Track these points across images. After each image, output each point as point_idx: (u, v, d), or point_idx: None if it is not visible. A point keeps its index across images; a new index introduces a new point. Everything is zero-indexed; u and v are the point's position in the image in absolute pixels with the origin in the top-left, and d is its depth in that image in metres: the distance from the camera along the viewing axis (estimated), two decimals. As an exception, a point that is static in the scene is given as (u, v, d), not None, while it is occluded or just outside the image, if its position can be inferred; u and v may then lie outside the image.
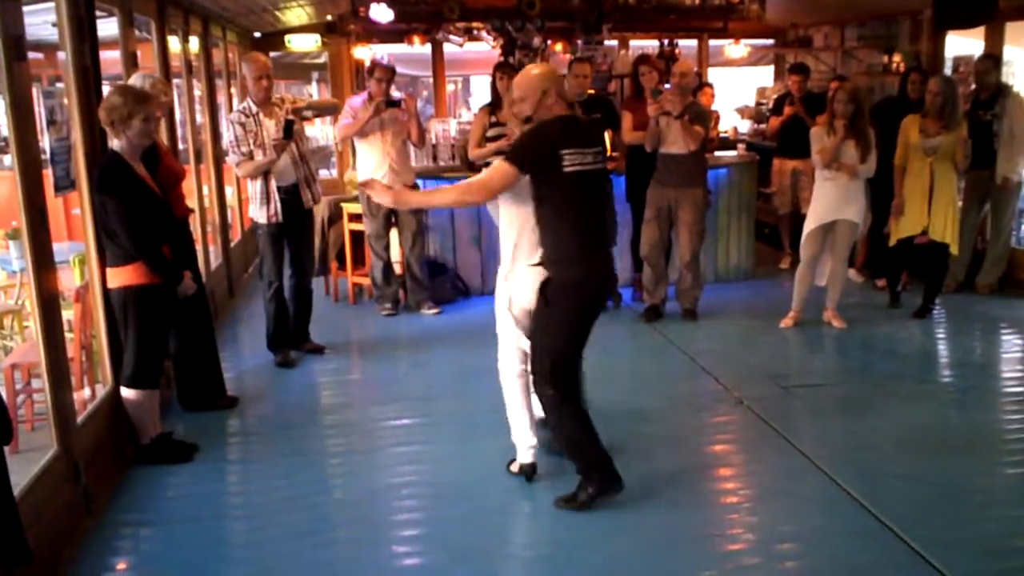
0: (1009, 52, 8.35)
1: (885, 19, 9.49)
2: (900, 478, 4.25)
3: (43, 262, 3.70)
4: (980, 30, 7.83)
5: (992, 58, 7.54)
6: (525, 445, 4.24)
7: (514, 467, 4.31)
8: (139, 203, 4.22)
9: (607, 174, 4.12)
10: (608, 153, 7.26)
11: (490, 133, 6.87)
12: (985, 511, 3.97)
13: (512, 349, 4.26)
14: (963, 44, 8.87)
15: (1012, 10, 7.42)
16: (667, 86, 6.85)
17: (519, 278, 4.06)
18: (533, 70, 4.00)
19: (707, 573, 3.54)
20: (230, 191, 8.55)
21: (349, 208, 7.48)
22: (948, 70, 8.68)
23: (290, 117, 5.76)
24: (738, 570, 3.57)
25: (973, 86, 7.66)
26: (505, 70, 7.06)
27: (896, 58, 9.15)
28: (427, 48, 11.49)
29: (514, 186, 3.82)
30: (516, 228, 4.02)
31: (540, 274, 3.91)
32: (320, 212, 7.34)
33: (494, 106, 7.00)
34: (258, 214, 5.86)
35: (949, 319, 6.99)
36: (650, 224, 6.78)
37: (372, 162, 6.89)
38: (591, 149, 3.84)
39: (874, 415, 5.06)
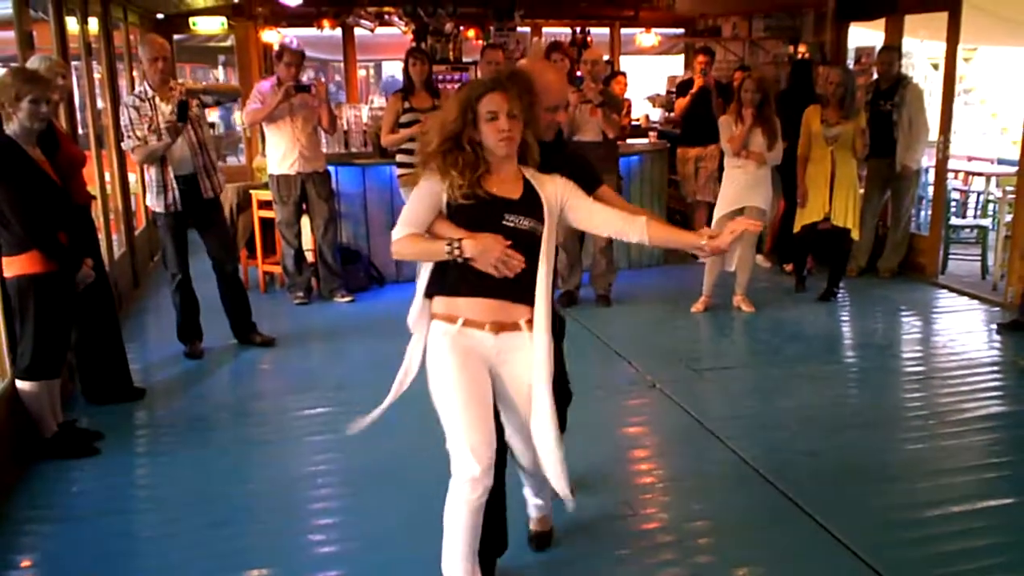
0: (908, 43, 8.63)
1: (790, 10, 9.73)
2: (806, 455, 4.38)
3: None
4: (881, 22, 8.08)
5: (894, 49, 7.80)
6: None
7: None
8: (32, 189, 4.06)
9: None
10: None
11: (403, 119, 6.80)
12: (886, 485, 4.11)
13: None
14: (865, 35, 9.14)
15: (911, 3, 7.67)
16: (579, 74, 6.90)
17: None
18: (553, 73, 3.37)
19: (623, 552, 3.59)
20: (133, 178, 8.29)
21: (259, 195, 7.34)
22: (851, 61, 8.93)
23: (183, 98, 5.52)
24: (653, 548, 3.63)
25: (875, 76, 7.91)
26: (418, 55, 7.01)
27: (801, 48, 9.38)
28: (338, 32, 11.33)
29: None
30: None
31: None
32: (228, 200, 7.18)
33: (407, 92, 6.92)
34: (156, 204, 5.66)
35: (852, 302, 7.23)
36: None
37: (282, 148, 6.77)
38: None
39: (781, 395, 5.21)
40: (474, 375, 2.94)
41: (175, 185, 5.60)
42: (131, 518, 3.96)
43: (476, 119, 2.84)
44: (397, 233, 2.90)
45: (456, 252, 2.81)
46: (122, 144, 5.62)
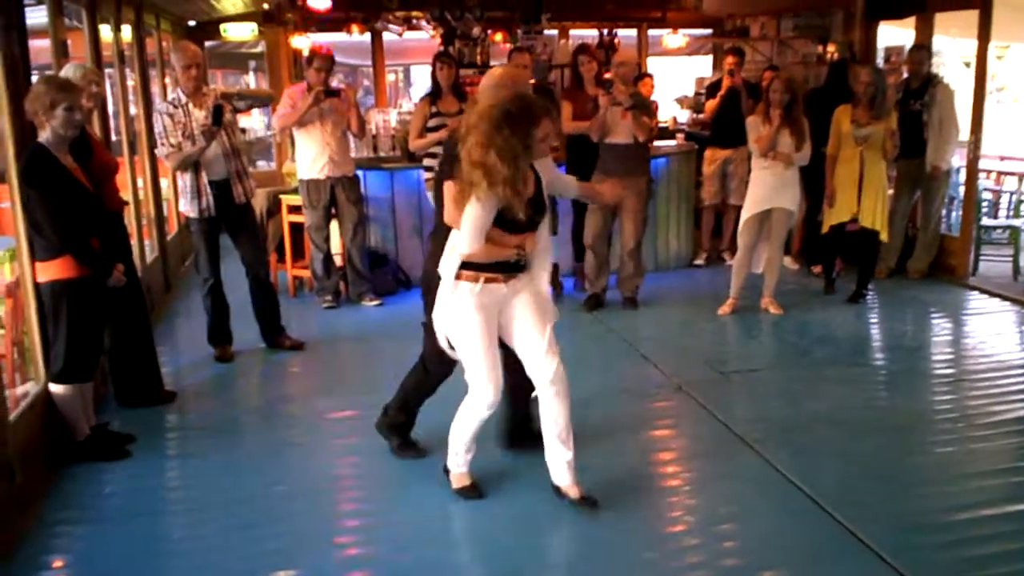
0: (938, 42, 8.55)
1: (819, 10, 9.67)
2: (833, 458, 4.37)
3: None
4: (910, 20, 8.01)
5: (924, 48, 7.72)
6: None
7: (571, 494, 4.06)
8: (65, 196, 4.14)
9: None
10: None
11: (431, 123, 6.83)
12: (914, 489, 4.09)
13: None
14: (894, 34, 9.06)
15: (941, 1, 7.60)
16: (607, 76, 6.91)
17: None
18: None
19: (649, 554, 3.60)
20: (165, 183, 8.41)
21: (288, 200, 7.41)
22: (880, 60, 8.86)
23: (219, 102, 5.61)
24: (679, 551, 3.64)
25: (905, 75, 7.84)
26: (445, 59, 7.05)
27: (831, 48, 9.32)
28: (366, 37, 11.40)
29: None
30: None
31: None
32: (259, 204, 7.26)
33: (435, 96, 6.96)
34: (189, 209, 5.73)
35: (882, 304, 7.17)
36: (594, 213, 6.82)
37: (312, 153, 6.83)
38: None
39: (808, 398, 5.18)
40: (491, 326, 3.75)
41: (208, 190, 5.67)
42: (162, 520, 4.02)
43: (532, 143, 3.55)
44: (475, 243, 3.57)
45: (520, 256, 3.71)
46: (156, 151, 5.70)
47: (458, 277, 3.68)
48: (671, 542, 3.73)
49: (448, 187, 3.79)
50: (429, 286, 3.99)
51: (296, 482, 4.30)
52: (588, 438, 4.61)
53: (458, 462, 4.07)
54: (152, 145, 7.72)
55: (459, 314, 3.71)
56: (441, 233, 3.91)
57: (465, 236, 3.57)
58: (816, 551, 3.59)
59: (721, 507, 3.98)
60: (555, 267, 7.32)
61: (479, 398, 3.78)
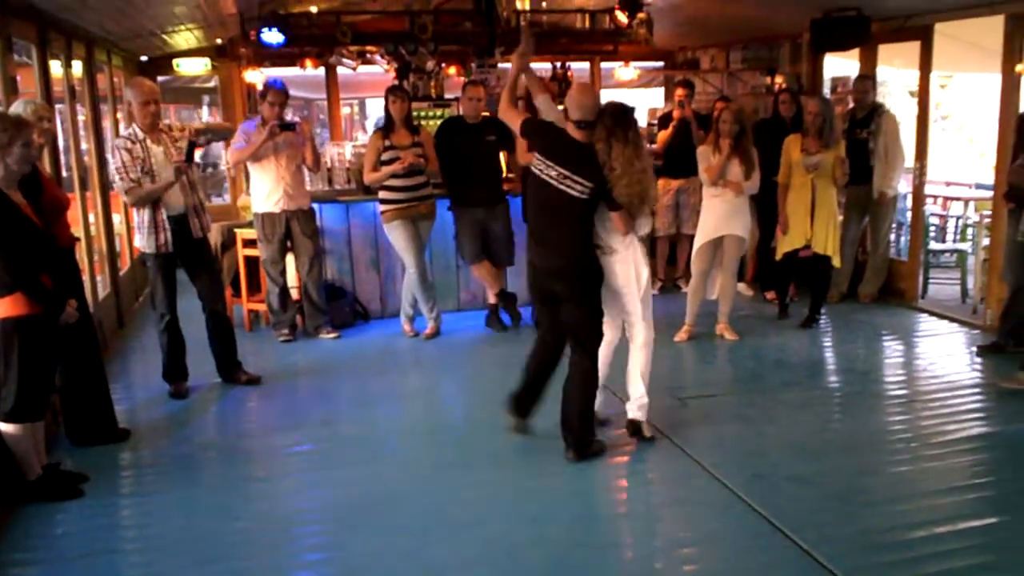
0: (883, 72, 8.76)
1: (767, 42, 9.86)
2: (789, 481, 4.41)
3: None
4: (855, 52, 8.21)
5: (869, 78, 7.92)
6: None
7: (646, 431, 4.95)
8: (15, 232, 4.09)
9: (565, 198, 4.55)
10: (505, 175, 7.41)
11: (384, 157, 6.85)
12: (869, 509, 4.15)
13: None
14: (841, 65, 9.27)
15: (884, 33, 7.82)
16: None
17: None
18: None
19: (609, 582, 3.61)
20: (117, 219, 8.31)
21: (243, 233, 7.37)
22: (827, 90, 9.06)
23: (193, 139, 5.65)
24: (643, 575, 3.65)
25: (851, 105, 8.03)
26: (397, 93, 7.07)
27: (778, 79, 9.51)
28: (321, 71, 11.42)
29: None
30: None
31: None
32: (213, 238, 7.20)
33: (387, 130, 6.98)
34: (146, 244, 5.67)
35: (834, 328, 7.29)
36: None
37: (267, 186, 6.81)
38: (557, 163, 4.54)
39: (765, 422, 5.24)
40: None
41: (167, 225, 5.64)
42: (117, 559, 3.94)
43: None
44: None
45: None
46: (115, 186, 5.64)
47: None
48: (634, 566, 3.75)
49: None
50: (580, 272, 4.61)
51: (254, 517, 4.26)
52: (548, 467, 4.63)
53: (644, 402, 4.91)
54: (104, 181, 7.67)
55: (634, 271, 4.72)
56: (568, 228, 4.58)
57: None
58: (776, 573, 3.62)
59: (682, 532, 4.01)
60: (513, 296, 7.41)
61: (650, 334, 4.90)
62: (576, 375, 4.69)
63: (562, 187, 4.49)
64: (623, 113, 4.57)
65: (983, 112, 14.19)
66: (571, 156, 4.50)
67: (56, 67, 6.58)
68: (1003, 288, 6.58)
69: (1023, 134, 6.13)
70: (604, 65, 12.31)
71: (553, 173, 4.50)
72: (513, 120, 4.86)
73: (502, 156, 7.31)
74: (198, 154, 5.83)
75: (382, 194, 6.97)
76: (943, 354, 6.59)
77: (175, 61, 10.52)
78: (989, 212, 7.42)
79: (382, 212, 7.02)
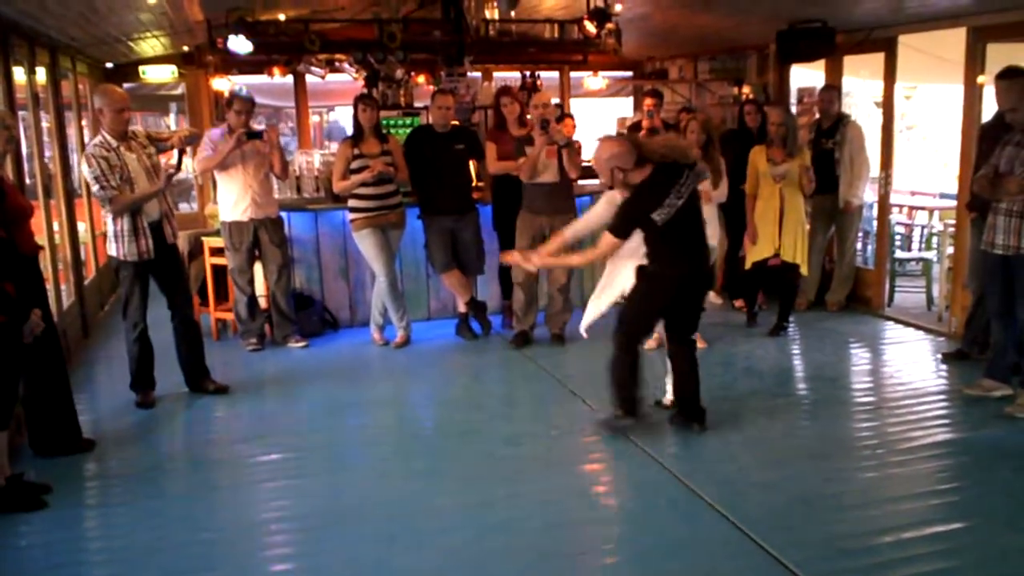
0: (849, 83, 8.87)
1: (734, 53, 9.95)
2: (757, 487, 4.44)
3: None
4: (821, 63, 8.30)
5: (834, 89, 8.02)
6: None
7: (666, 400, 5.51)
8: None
9: (696, 196, 4.93)
10: (474, 184, 7.41)
11: (353, 165, 6.83)
12: (836, 514, 4.18)
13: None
14: (807, 76, 9.37)
15: (849, 45, 7.92)
16: (529, 117, 7.01)
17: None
18: (603, 152, 4.84)
19: (579, 590, 3.60)
20: (83, 227, 8.22)
21: (211, 242, 7.30)
22: (793, 100, 9.15)
23: (183, 146, 5.71)
24: (609, 585, 3.65)
25: (817, 116, 8.12)
26: (367, 102, 7.06)
27: (746, 89, 9.60)
28: (289, 79, 11.37)
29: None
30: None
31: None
32: (181, 246, 7.14)
33: (356, 138, 6.96)
34: (127, 252, 5.58)
35: (802, 336, 7.35)
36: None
37: (234, 195, 6.77)
38: (677, 190, 4.73)
39: (733, 429, 5.26)
40: None
41: (148, 232, 5.59)
42: (82, 571, 3.88)
43: None
44: None
45: None
46: (96, 194, 5.55)
47: None
48: (605, 573, 3.74)
49: None
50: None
51: (222, 528, 4.21)
52: (518, 474, 4.63)
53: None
54: (68, 188, 7.58)
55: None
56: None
57: None
58: (745, 579, 3.63)
59: (651, 538, 4.01)
60: (483, 305, 7.40)
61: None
62: (692, 359, 5.29)
63: (687, 200, 4.79)
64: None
65: (947, 123, 14.41)
66: (671, 183, 4.75)
67: (19, 73, 6.49)
68: (967, 296, 6.67)
69: (985, 145, 6.22)
70: (573, 75, 12.35)
71: (679, 201, 4.75)
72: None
73: (471, 165, 7.32)
74: (187, 162, 5.85)
75: (351, 202, 6.95)
76: (909, 361, 6.66)
77: (141, 68, 10.43)
78: (953, 221, 7.52)
79: (351, 220, 7.00)
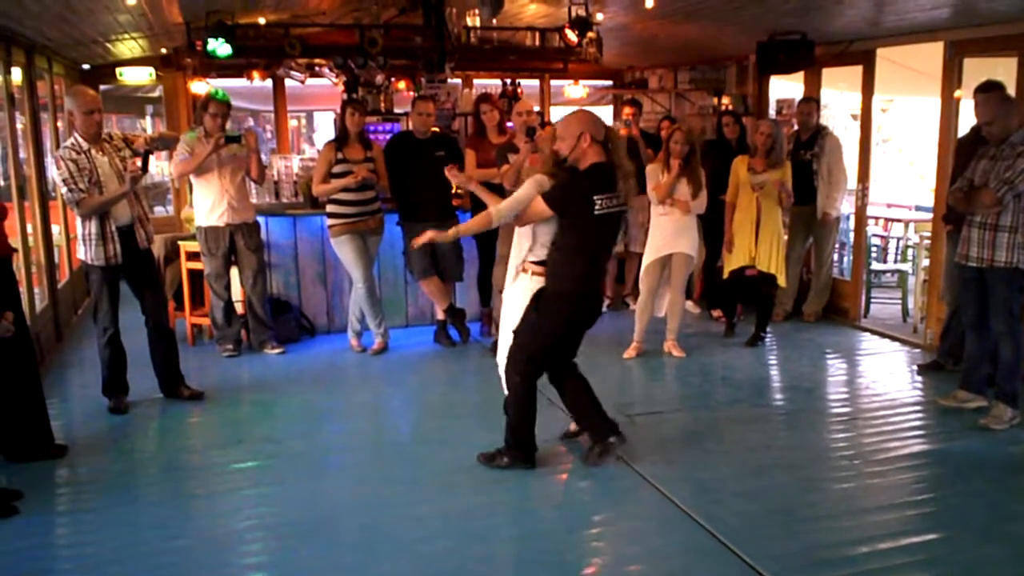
0: (827, 95, 8.94)
1: (714, 64, 10.00)
2: (735, 497, 4.44)
3: None
4: (800, 75, 8.36)
5: (813, 101, 8.07)
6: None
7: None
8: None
9: (620, 221, 4.73)
10: (454, 190, 7.39)
11: (336, 169, 6.80)
12: (814, 524, 4.18)
13: None
14: (786, 87, 9.43)
15: (828, 57, 7.98)
16: (510, 124, 7.00)
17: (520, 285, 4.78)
18: (583, 116, 4.59)
19: (557, 600, 3.59)
20: (57, 229, 8.13)
21: (187, 246, 7.24)
22: (772, 111, 9.21)
23: (148, 148, 5.58)
24: (587, 595, 3.63)
25: (795, 127, 8.17)
26: (356, 106, 7.03)
27: (725, 100, 9.65)
28: (268, 83, 11.31)
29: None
30: (528, 243, 4.73)
31: (538, 283, 4.68)
32: (156, 251, 7.07)
33: (341, 142, 6.93)
34: (94, 256, 5.53)
35: (779, 346, 7.38)
36: (504, 260, 6.85)
37: (210, 199, 6.71)
38: (618, 194, 4.52)
39: (711, 439, 5.27)
40: None
41: (116, 237, 5.52)
42: (52, 579, 3.82)
43: None
44: None
45: None
46: (64, 197, 5.49)
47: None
48: (580, 585, 3.73)
49: None
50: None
51: (196, 535, 4.16)
52: (493, 483, 4.61)
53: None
54: (43, 190, 7.49)
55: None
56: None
57: None
58: (722, 589, 3.63)
59: (628, 548, 4.00)
60: (462, 312, 7.38)
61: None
62: (581, 376, 5.00)
63: (617, 212, 4.58)
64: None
65: (923, 136, 14.54)
66: (615, 183, 4.54)
67: (-5, 74, 6.42)
68: (942, 308, 6.73)
69: (961, 158, 6.27)
70: (554, 83, 12.37)
71: (614, 202, 4.53)
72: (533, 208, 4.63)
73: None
74: (153, 163, 5.72)
75: (330, 208, 6.91)
76: (885, 372, 6.70)
77: (118, 70, 10.33)
78: (929, 234, 7.59)
79: (330, 226, 6.96)
